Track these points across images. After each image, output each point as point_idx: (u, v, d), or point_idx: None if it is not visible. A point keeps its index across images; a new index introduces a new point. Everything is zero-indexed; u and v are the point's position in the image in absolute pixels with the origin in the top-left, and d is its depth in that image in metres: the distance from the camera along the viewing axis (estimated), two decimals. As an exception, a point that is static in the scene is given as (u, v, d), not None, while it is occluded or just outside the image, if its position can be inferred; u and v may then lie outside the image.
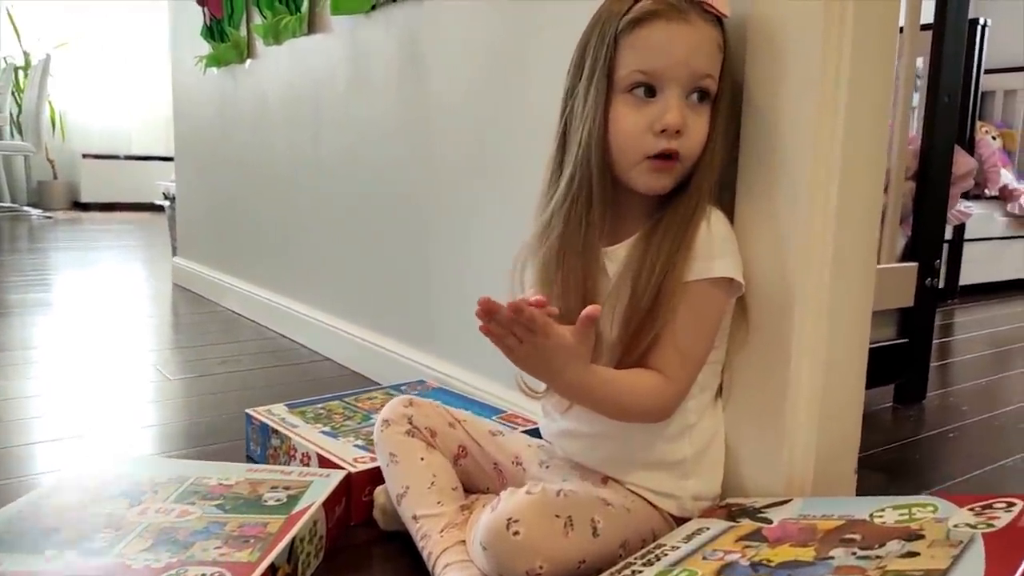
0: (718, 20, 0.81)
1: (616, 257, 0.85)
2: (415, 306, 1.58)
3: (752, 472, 0.89)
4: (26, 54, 6.14)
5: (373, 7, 1.63)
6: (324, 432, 1.16)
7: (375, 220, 1.72)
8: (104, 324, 2.25)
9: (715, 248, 0.81)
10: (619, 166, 0.83)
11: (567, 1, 1.15)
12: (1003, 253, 3.09)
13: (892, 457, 1.31)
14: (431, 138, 1.51)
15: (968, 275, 2.90)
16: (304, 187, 2.01)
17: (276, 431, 1.17)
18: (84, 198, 6.41)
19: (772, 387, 0.86)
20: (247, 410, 1.25)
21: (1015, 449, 1.35)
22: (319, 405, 1.28)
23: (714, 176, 0.83)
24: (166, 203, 3.10)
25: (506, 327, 0.73)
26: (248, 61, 2.25)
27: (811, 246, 0.83)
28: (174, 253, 3.03)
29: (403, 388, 1.39)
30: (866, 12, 0.81)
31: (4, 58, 6.00)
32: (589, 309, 0.74)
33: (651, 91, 0.80)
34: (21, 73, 6.06)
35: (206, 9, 2.40)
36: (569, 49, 0.87)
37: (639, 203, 0.86)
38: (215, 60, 2.39)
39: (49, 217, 5.65)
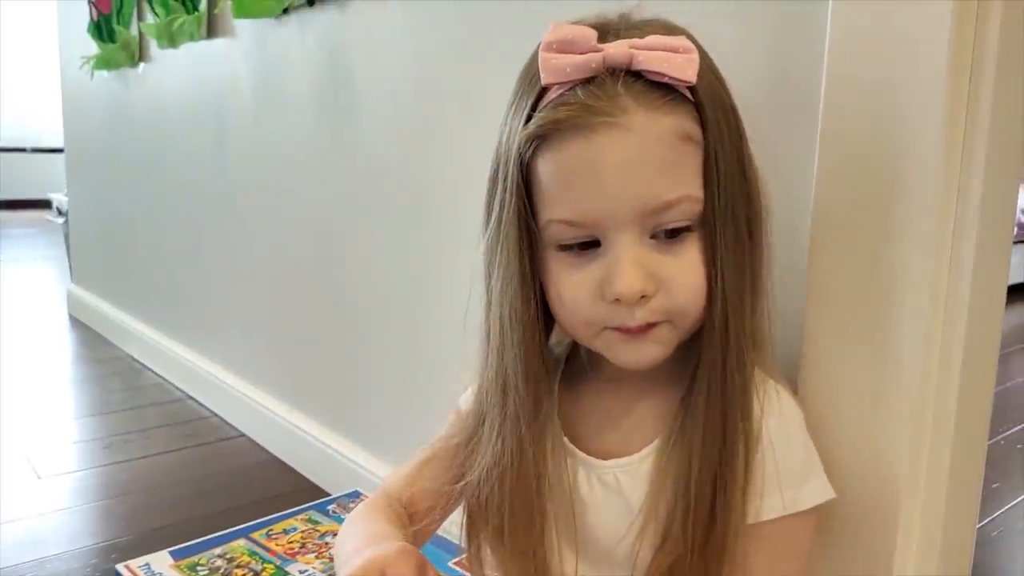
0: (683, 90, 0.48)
1: (616, 475, 0.55)
2: (346, 386, 1.27)
3: None
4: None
5: (285, 10, 1.30)
6: (218, 610, 0.85)
7: (294, 267, 1.39)
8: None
9: (797, 462, 0.52)
10: (578, 338, 0.55)
11: (522, 2, 0.85)
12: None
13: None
14: (360, 169, 1.19)
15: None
16: (210, 219, 1.67)
17: (152, 610, 0.86)
18: (-12, 195, 5.87)
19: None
20: (117, 567, 0.93)
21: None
22: (216, 551, 0.97)
23: (750, 324, 0.52)
24: (60, 219, 2.71)
25: None
26: (141, 65, 1.89)
27: (924, 410, 0.55)
28: (72, 277, 2.64)
29: (329, 508, 1.09)
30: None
31: None
32: None
33: (591, 242, 0.50)
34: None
35: (92, 3, 2.02)
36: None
37: (640, 381, 0.55)
38: (103, 62, 2.01)
39: (-55, 219, 5.13)
